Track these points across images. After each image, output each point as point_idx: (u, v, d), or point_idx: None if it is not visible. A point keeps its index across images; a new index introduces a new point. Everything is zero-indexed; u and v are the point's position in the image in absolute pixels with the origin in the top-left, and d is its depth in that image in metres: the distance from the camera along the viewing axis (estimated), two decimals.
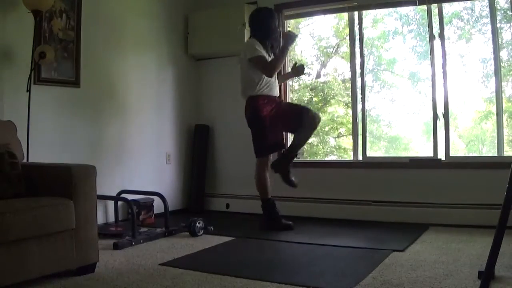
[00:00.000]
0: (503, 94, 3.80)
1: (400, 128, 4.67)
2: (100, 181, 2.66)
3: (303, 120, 3.66)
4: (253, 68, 3.65)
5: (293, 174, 3.76)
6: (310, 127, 3.71)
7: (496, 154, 3.78)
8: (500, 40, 3.76)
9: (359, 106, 4.23)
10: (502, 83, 3.77)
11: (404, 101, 4.50)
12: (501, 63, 3.73)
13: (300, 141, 3.75)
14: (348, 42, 4.36)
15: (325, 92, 5.14)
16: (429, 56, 3.94)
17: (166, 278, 2.39)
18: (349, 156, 4.87)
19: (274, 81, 3.81)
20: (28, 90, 3.19)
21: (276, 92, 3.84)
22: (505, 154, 3.74)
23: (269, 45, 3.76)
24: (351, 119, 4.39)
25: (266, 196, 3.74)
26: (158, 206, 3.99)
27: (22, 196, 2.40)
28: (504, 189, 2.01)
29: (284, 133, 4.03)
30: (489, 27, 3.78)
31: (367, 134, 4.21)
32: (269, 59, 3.70)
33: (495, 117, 3.79)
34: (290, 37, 3.71)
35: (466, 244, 3.01)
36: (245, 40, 4.39)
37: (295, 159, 3.80)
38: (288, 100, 4.60)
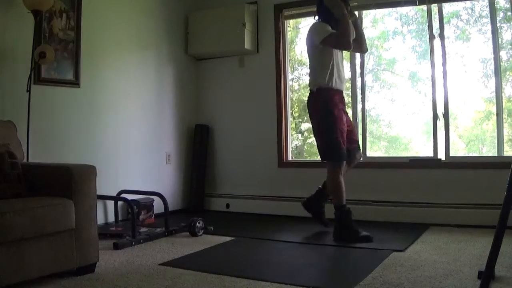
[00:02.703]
0: (503, 94, 3.80)
1: (400, 128, 4.67)
2: (100, 181, 2.66)
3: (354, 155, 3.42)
4: (324, 52, 3.23)
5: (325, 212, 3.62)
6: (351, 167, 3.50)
7: (496, 154, 3.78)
8: (500, 40, 3.76)
9: (359, 106, 4.23)
10: (502, 83, 3.77)
11: (404, 101, 4.50)
12: (501, 63, 3.73)
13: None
14: None
15: None
16: (429, 56, 3.94)
17: (166, 278, 2.39)
18: None
19: (343, 72, 3.43)
20: (28, 90, 3.19)
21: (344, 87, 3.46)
22: (505, 154, 3.74)
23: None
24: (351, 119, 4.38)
25: (341, 202, 3.29)
26: (158, 206, 3.99)
27: (22, 196, 2.40)
28: (504, 189, 2.01)
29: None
30: (489, 27, 3.78)
31: (367, 134, 4.21)
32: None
33: (495, 117, 3.79)
34: (335, 4, 3.19)
35: (466, 244, 3.01)
36: (245, 40, 4.40)
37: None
38: (289, 100, 4.60)
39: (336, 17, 3.21)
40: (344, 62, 4.92)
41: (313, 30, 3.32)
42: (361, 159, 3.72)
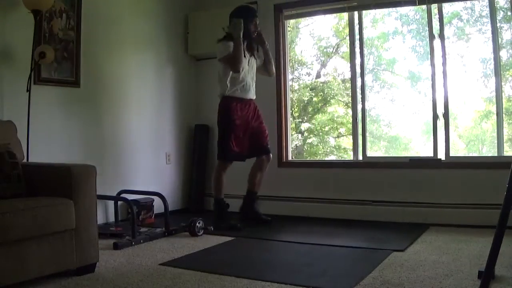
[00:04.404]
0: (502, 93, 3.80)
1: (400, 128, 4.67)
2: (100, 181, 2.66)
3: (261, 158, 3.87)
4: (224, 68, 3.71)
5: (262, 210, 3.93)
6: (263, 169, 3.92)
7: (496, 154, 3.78)
8: (500, 40, 3.76)
9: (359, 106, 4.23)
10: (502, 83, 3.77)
11: (404, 101, 4.50)
12: (501, 63, 3.74)
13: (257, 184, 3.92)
14: (348, 42, 4.36)
15: (325, 92, 5.14)
16: (429, 56, 3.94)
17: (166, 278, 2.39)
18: (349, 156, 4.87)
19: (251, 82, 3.82)
20: (28, 90, 3.19)
21: (252, 95, 3.86)
22: (505, 154, 3.74)
23: (245, 45, 3.74)
24: (351, 119, 4.39)
25: (220, 195, 3.82)
26: (158, 206, 3.99)
27: (22, 196, 2.40)
28: (504, 189, 2.00)
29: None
30: (489, 27, 3.78)
31: (367, 134, 4.21)
32: (244, 59, 3.69)
33: (495, 117, 3.79)
34: (233, 24, 3.70)
35: (466, 244, 3.01)
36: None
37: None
38: (289, 100, 4.60)
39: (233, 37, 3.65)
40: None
41: (217, 47, 3.76)
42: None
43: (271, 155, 3.96)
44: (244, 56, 3.72)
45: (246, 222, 3.81)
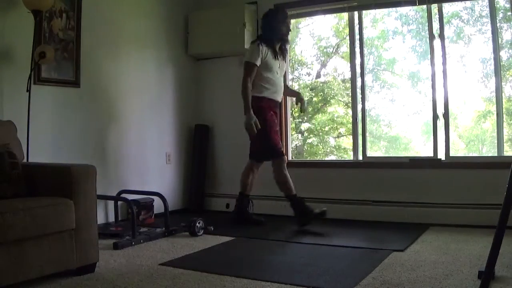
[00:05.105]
0: (502, 94, 3.80)
1: (400, 128, 4.68)
2: (100, 181, 2.66)
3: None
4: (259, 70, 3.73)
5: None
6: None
7: (496, 154, 3.78)
8: (500, 40, 3.76)
9: (359, 106, 4.23)
10: (502, 83, 3.77)
11: (404, 101, 4.50)
12: (501, 63, 3.74)
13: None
14: (348, 42, 4.36)
15: (325, 92, 5.14)
16: (429, 56, 3.94)
17: (166, 278, 2.39)
18: (349, 156, 4.88)
19: (280, 85, 3.86)
20: (28, 90, 3.19)
21: (280, 97, 3.91)
22: (505, 154, 3.75)
23: (277, 46, 3.80)
24: (351, 119, 4.39)
25: (291, 192, 3.79)
26: (158, 206, 3.99)
27: (22, 196, 2.40)
28: (504, 189, 2.01)
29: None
30: (489, 27, 3.78)
31: (367, 134, 4.21)
32: (275, 62, 3.75)
33: (494, 117, 3.80)
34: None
35: (466, 244, 3.01)
36: (245, 40, 4.40)
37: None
38: (289, 100, 4.59)
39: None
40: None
41: (248, 48, 3.86)
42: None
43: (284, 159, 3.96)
44: (276, 59, 3.77)
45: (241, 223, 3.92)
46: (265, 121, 3.73)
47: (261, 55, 3.69)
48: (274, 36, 3.78)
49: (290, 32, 3.93)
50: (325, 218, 3.64)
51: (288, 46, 4.01)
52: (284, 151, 3.90)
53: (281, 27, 3.79)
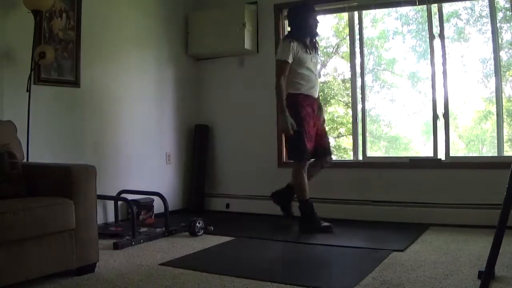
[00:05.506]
0: (502, 94, 3.80)
1: (400, 128, 4.67)
2: (100, 181, 2.66)
3: (324, 160, 3.72)
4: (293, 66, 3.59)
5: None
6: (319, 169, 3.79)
7: (496, 154, 3.78)
8: (500, 40, 3.76)
9: (359, 106, 4.23)
10: (502, 83, 3.77)
11: (404, 101, 4.50)
12: (501, 63, 3.74)
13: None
14: (348, 42, 4.36)
15: (325, 92, 5.14)
16: (429, 56, 3.94)
17: (166, 278, 2.39)
18: (349, 156, 4.87)
19: (316, 80, 3.71)
20: (28, 90, 3.19)
21: (316, 93, 3.75)
22: (505, 154, 3.75)
23: (308, 41, 3.67)
24: (351, 119, 4.39)
25: (305, 197, 3.63)
26: (158, 206, 3.99)
27: (22, 196, 2.40)
28: (504, 189, 2.01)
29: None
30: (489, 27, 3.78)
31: (367, 134, 4.22)
32: (308, 57, 3.62)
33: (494, 117, 3.80)
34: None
35: (466, 244, 3.01)
36: (245, 40, 4.41)
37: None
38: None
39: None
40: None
41: (280, 45, 3.73)
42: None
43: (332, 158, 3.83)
44: (308, 53, 3.63)
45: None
46: (300, 120, 3.55)
47: (292, 51, 3.54)
48: (304, 31, 3.65)
49: (318, 25, 3.76)
50: (330, 232, 3.51)
51: (318, 39, 3.85)
52: (309, 156, 3.63)
53: (310, 21, 3.67)
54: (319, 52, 3.85)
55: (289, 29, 3.78)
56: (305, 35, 3.66)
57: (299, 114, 3.56)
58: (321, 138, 3.73)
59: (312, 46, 3.71)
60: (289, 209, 3.86)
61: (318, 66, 3.79)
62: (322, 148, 3.72)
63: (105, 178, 3.53)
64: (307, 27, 3.67)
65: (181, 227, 3.57)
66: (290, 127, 3.51)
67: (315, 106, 3.73)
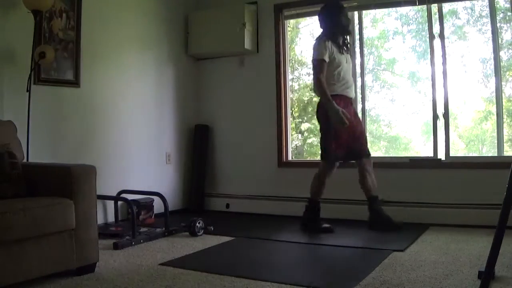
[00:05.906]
0: (503, 94, 3.80)
1: (400, 128, 4.67)
2: (100, 181, 2.66)
3: (362, 162, 3.59)
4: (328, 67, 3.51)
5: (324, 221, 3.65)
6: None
7: (496, 154, 3.78)
8: (500, 40, 3.76)
9: (359, 106, 4.22)
10: (502, 83, 3.77)
11: (404, 101, 4.50)
12: (501, 63, 3.73)
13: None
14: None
15: None
16: (429, 56, 3.94)
17: (166, 278, 2.39)
18: None
19: (351, 80, 3.64)
20: (28, 90, 3.19)
21: (352, 93, 3.68)
22: (505, 154, 3.74)
23: (340, 41, 3.61)
24: None
25: (316, 197, 3.65)
26: (158, 206, 3.99)
27: (22, 196, 2.40)
28: (504, 189, 2.00)
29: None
30: (489, 27, 3.78)
31: (367, 134, 4.21)
32: (342, 56, 3.56)
33: (494, 117, 3.79)
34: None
35: (466, 244, 3.01)
36: (245, 40, 4.40)
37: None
38: (289, 100, 4.60)
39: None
40: None
41: (314, 45, 3.58)
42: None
43: (371, 158, 3.69)
44: (342, 53, 3.57)
45: (379, 228, 3.50)
46: (330, 123, 3.49)
47: (328, 51, 3.48)
48: (336, 30, 3.58)
49: (350, 23, 3.69)
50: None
51: (349, 38, 3.78)
52: (336, 158, 3.58)
53: (341, 19, 3.59)
54: (351, 52, 3.76)
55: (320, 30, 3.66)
56: (338, 34, 3.59)
57: (330, 118, 3.47)
58: (359, 139, 3.62)
59: (344, 46, 3.64)
60: (391, 222, 3.53)
61: (350, 66, 3.70)
62: (358, 150, 3.61)
63: (105, 178, 3.53)
64: (339, 25, 3.59)
65: (181, 227, 3.57)
66: (342, 115, 3.39)
67: (351, 107, 3.65)
